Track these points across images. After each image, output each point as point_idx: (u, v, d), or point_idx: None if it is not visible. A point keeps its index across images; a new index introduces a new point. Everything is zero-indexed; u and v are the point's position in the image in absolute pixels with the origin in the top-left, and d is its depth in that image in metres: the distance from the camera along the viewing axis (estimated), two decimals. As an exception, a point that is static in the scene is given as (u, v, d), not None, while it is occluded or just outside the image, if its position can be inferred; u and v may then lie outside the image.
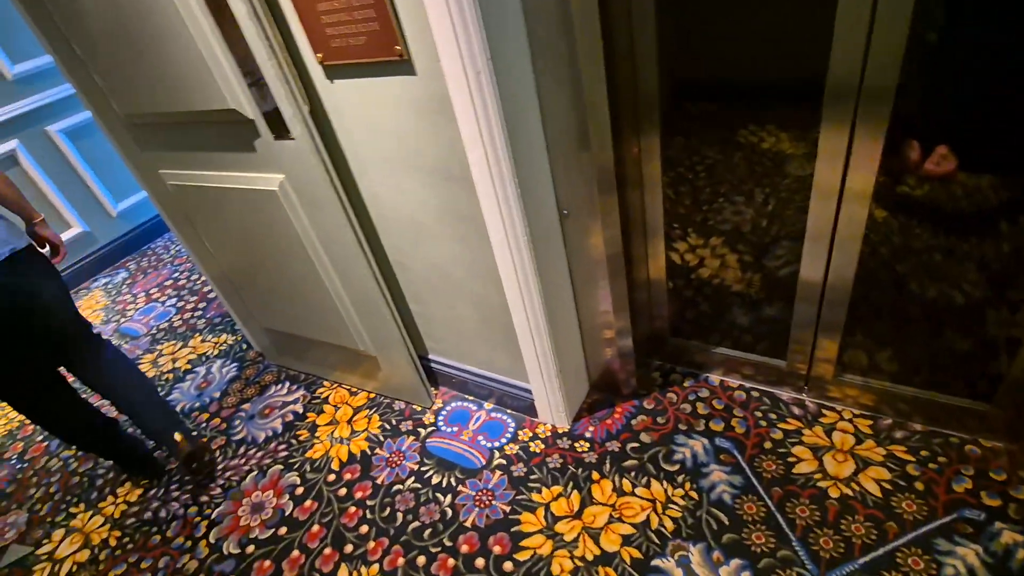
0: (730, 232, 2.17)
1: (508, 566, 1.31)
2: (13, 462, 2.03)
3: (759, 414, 1.48)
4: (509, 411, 1.69)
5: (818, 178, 1.18)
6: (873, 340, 1.56)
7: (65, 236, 2.96)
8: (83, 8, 1.27)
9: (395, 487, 1.56)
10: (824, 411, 1.46)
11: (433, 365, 1.79)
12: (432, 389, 1.81)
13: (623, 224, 1.38)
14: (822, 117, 1.10)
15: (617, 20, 1.10)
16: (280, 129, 1.23)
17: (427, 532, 1.43)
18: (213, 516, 1.62)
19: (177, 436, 1.63)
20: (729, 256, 2.05)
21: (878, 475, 1.28)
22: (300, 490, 1.63)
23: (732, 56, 3.05)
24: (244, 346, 2.27)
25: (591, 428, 1.57)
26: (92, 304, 2.89)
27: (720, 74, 3.08)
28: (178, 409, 2.05)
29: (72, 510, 1.78)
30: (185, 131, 1.44)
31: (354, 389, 1.92)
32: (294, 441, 1.79)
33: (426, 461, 1.60)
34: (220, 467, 1.77)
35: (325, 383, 1.98)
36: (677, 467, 1.41)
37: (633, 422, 1.55)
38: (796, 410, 1.48)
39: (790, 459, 1.36)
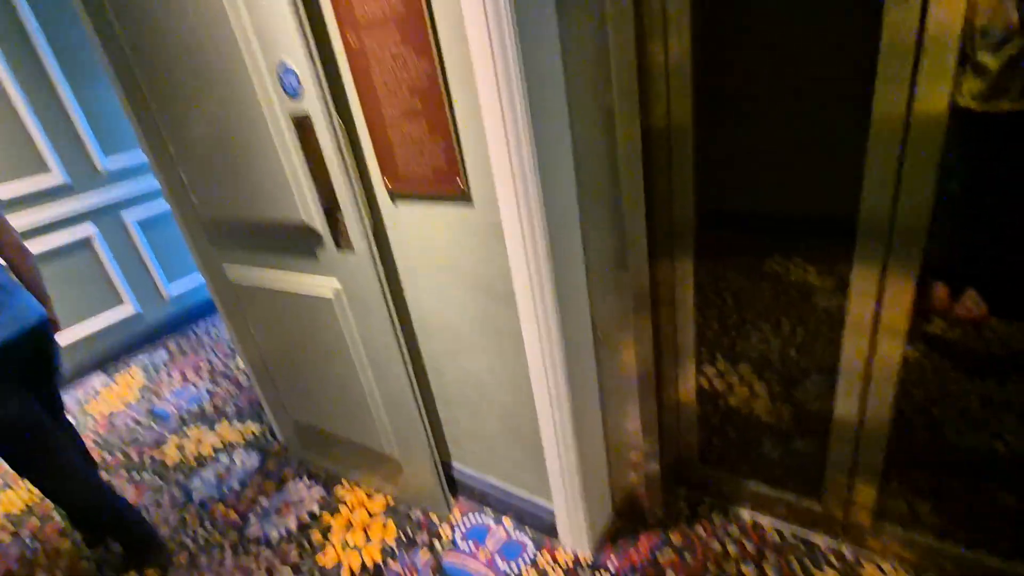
0: (757, 360, 2.19)
1: None
2: (27, 539, 2.01)
3: (793, 560, 1.41)
4: (529, 530, 1.64)
5: (851, 314, 1.22)
6: (913, 489, 1.50)
7: (117, 316, 3.13)
8: (188, 115, 1.46)
9: (405, 605, 1.49)
10: (863, 562, 1.38)
11: (455, 474, 1.77)
12: (451, 499, 1.78)
13: (655, 345, 1.42)
14: (855, 254, 1.15)
15: (658, 164, 1.23)
16: (344, 242, 1.36)
17: (435, 661, 1.34)
18: (214, 619, 1.56)
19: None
20: (757, 385, 2.05)
21: (926, 643, 1.19)
22: (306, 599, 1.56)
23: (759, 190, 3.24)
24: (270, 437, 2.29)
25: (614, 559, 1.50)
26: (128, 381, 2.98)
27: (746, 206, 3.26)
28: (195, 499, 2.03)
29: (72, 598, 1.73)
30: (254, 233, 1.59)
31: (372, 492, 1.89)
32: (307, 543, 1.75)
33: (440, 579, 1.54)
34: (228, 566, 1.73)
35: (344, 482, 1.96)
36: (705, 612, 1.33)
37: (659, 556, 1.48)
38: (833, 559, 1.40)
39: (828, 615, 1.27)
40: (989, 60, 1.78)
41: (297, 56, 1.13)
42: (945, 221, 2.17)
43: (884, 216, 1.06)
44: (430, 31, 1.03)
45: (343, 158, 1.24)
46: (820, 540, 1.45)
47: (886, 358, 1.20)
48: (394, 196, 1.33)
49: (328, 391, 1.77)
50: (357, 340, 1.55)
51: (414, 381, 1.54)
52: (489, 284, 1.30)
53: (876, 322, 1.17)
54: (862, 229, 1.10)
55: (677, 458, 1.67)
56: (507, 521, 1.68)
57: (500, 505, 1.70)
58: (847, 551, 1.41)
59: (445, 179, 1.19)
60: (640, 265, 1.26)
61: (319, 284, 1.50)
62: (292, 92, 1.19)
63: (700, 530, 1.54)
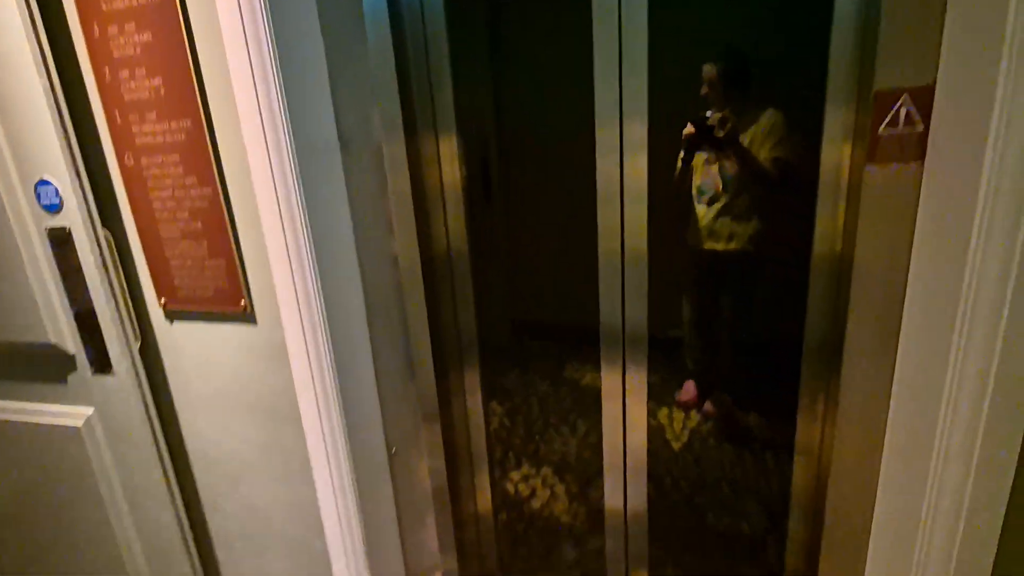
0: (558, 463, 2.35)
1: None
2: None
3: (586, 663, 1.46)
4: None
5: (605, 412, 1.41)
6: (682, 572, 1.69)
7: None
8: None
9: None
10: (645, 653, 1.48)
11: (234, 629, 1.53)
12: (228, 663, 1.51)
13: (449, 457, 1.47)
14: (601, 359, 1.37)
15: (442, 284, 1.36)
16: (102, 364, 1.22)
17: None
18: None
19: None
20: (558, 487, 2.18)
21: None
22: None
23: (560, 302, 3.65)
24: (-25, 619, 1.75)
25: None
26: None
27: (552, 317, 3.64)
28: None
29: None
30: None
31: (122, 672, 1.53)
32: None
33: None
34: None
35: (82, 667, 1.56)
36: None
37: None
38: (620, 654, 1.48)
39: None
40: (703, 212, 2.35)
41: (59, 172, 1.07)
42: (699, 335, 2.70)
43: (617, 328, 1.30)
44: (213, 161, 1.07)
45: (107, 274, 1.15)
46: (609, 637, 1.53)
47: (636, 449, 1.40)
48: (171, 315, 1.25)
49: (65, 546, 1.45)
50: (112, 477, 1.33)
51: (185, 522, 1.36)
52: (274, 405, 1.25)
53: (624, 417, 1.38)
54: (603, 338, 1.33)
55: (480, 572, 1.67)
56: None
57: (288, 659, 1.49)
58: (631, 644, 1.50)
59: (227, 298, 1.17)
60: (427, 378, 1.33)
61: (64, 413, 1.30)
62: (51, 207, 1.10)
63: (502, 648, 1.52)
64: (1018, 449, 0.78)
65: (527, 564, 1.77)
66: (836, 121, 1.04)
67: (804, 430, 1.24)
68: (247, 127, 1.00)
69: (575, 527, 1.94)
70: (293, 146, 1.02)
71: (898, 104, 0.92)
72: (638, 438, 1.39)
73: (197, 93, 1.02)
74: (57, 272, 1.15)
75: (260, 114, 0.99)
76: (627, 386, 1.35)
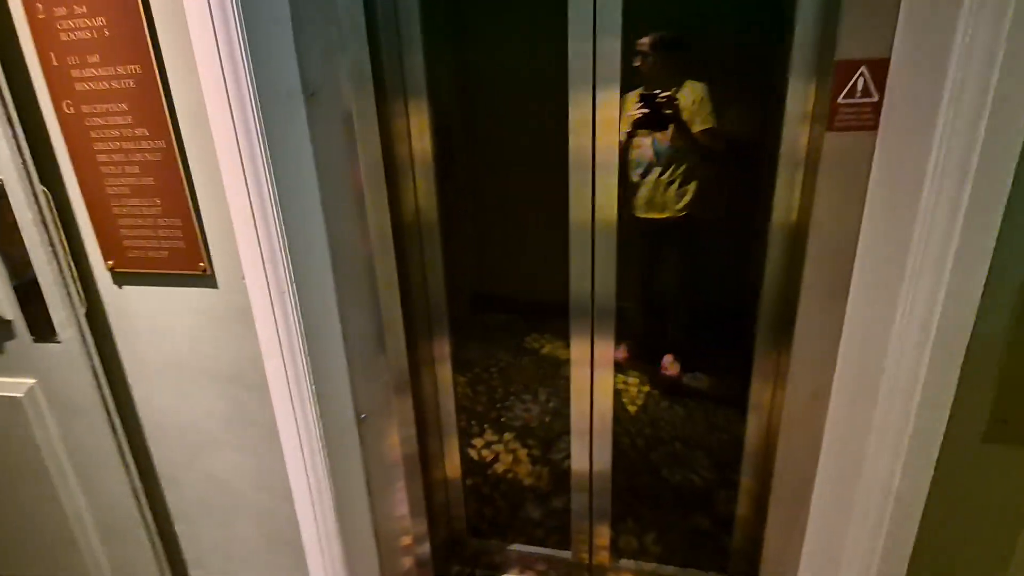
0: (520, 428, 2.40)
1: None
2: None
3: (553, 612, 1.52)
4: (290, 651, 1.45)
5: (574, 380, 1.45)
6: (639, 525, 1.78)
7: None
8: None
9: None
10: (607, 600, 1.56)
11: (196, 602, 1.50)
12: (191, 635, 1.49)
13: (418, 424, 1.47)
14: (570, 330, 1.39)
15: (411, 253, 1.34)
16: (44, 331, 1.13)
17: None
18: None
19: None
20: (520, 452, 2.23)
21: (655, 661, 1.38)
22: None
23: (521, 276, 3.67)
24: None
25: (385, 657, 1.42)
26: None
27: (512, 290, 3.66)
28: None
29: None
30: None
31: (75, 652, 1.48)
32: None
33: None
34: None
35: (30, 649, 1.49)
36: None
37: (431, 642, 1.45)
38: (584, 603, 1.55)
39: (581, 658, 1.39)
40: (637, 183, 2.42)
41: (-12, 119, 0.97)
42: (645, 302, 2.79)
43: (586, 298, 1.32)
44: (167, 110, 1.00)
45: (47, 232, 1.07)
46: (574, 588, 1.60)
47: (603, 413, 1.45)
48: (119, 278, 1.18)
49: (11, 523, 1.37)
50: (58, 451, 1.26)
51: (141, 496, 1.31)
52: (238, 373, 1.21)
53: (592, 385, 1.42)
54: (572, 309, 1.35)
55: (448, 536, 1.70)
56: (263, 646, 1.47)
57: (254, 628, 1.48)
58: (594, 593, 1.58)
59: (185, 260, 1.11)
60: (398, 347, 1.32)
61: (3, 384, 1.21)
62: (-23, 157, 1.00)
63: (471, 605, 1.56)
64: (952, 396, 0.85)
65: (495, 525, 1.81)
66: (797, 92, 1.08)
67: (757, 387, 1.31)
68: (206, 73, 0.93)
69: (539, 488, 2.00)
70: (257, 95, 0.96)
71: (856, 75, 0.97)
72: (604, 403, 1.43)
73: (148, 35, 0.94)
74: (-11, 231, 1.06)
75: (220, 59, 0.92)
76: (595, 354, 1.39)
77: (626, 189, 2.46)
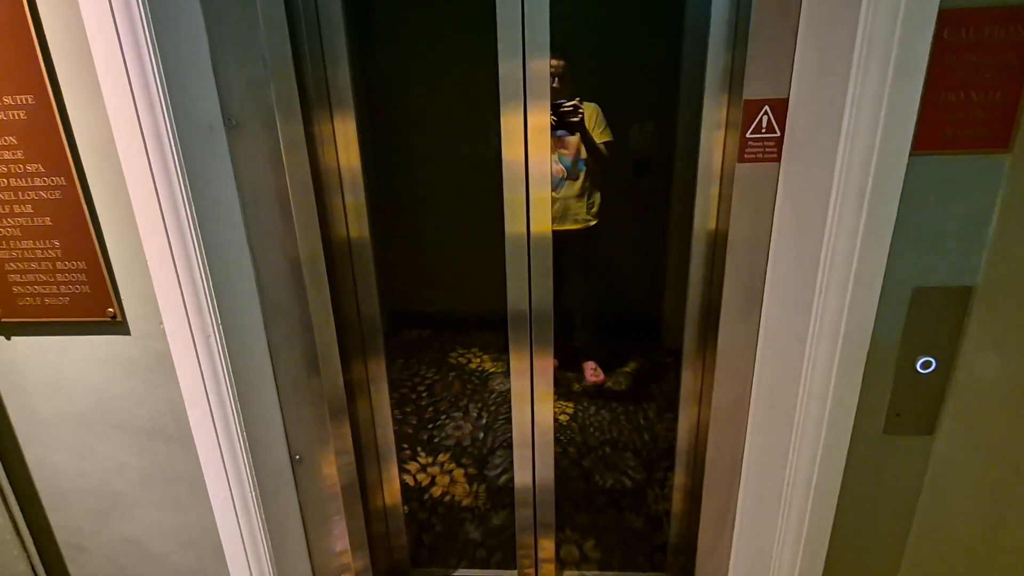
0: (454, 447, 2.38)
1: None
2: None
3: (502, 634, 1.53)
4: None
5: (514, 392, 1.46)
6: (579, 533, 1.83)
7: None
8: None
9: None
10: (555, 612, 1.59)
11: None
12: None
13: (355, 452, 1.42)
14: (509, 341, 1.41)
15: (342, 272, 1.30)
16: (-90, 397, 0.97)
17: None
18: None
19: None
20: (456, 471, 2.21)
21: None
22: None
23: (440, 291, 3.65)
24: None
25: None
26: None
27: (431, 306, 3.62)
28: None
29: None
30: None
31: None
32: None
33: None
34: None
35: None
36: None
37: None
38: (533, 619, 1.57)
39: (536, 675, 1.41)
40: (554, 195, 2.52)
41: None
42: (564, 312, 2.88)
43: (524, 309, 1.35)
44: (66, 145, 0.90)
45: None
46: (521, 605, 1.61)
47: (543, 424, 1.48)
48: (6, 329, 1.04)
49: None
50: (-69, 535, 1.08)
51: (40, 568, 1.15)
52: (154, 425, 1.11)
53: (532, 395, 1.44)
54: (511, 320, 1.37)
55: (390, 567, 1.65)
56: None
57: None
58: (542, 607, 1.60)
59: (89, 306, 1.00)
60: (334, 373, 1.27)
61: None
62: None
63: (419, 637, 1.53)
64: (858, 390, 0.97)
65: (436, 552, 1.78)
66: (711, 119, 1.18)
67: (687, 387, 1.40)
68: (115, 106, 0.86)
69: (478, 508, 1.99)
70: (175, 127, 0.89)
71: (761, 112, 1.08)
72: (545, 414, 1.46)
73: (42, 63, 0.85)
74: None
75: (132, 90, 0.85)
76: (535, 364, 1.41)
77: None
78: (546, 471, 1.53)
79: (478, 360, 3.16)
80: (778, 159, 1.09)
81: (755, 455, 1.26)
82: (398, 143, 3.26)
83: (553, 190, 2.47)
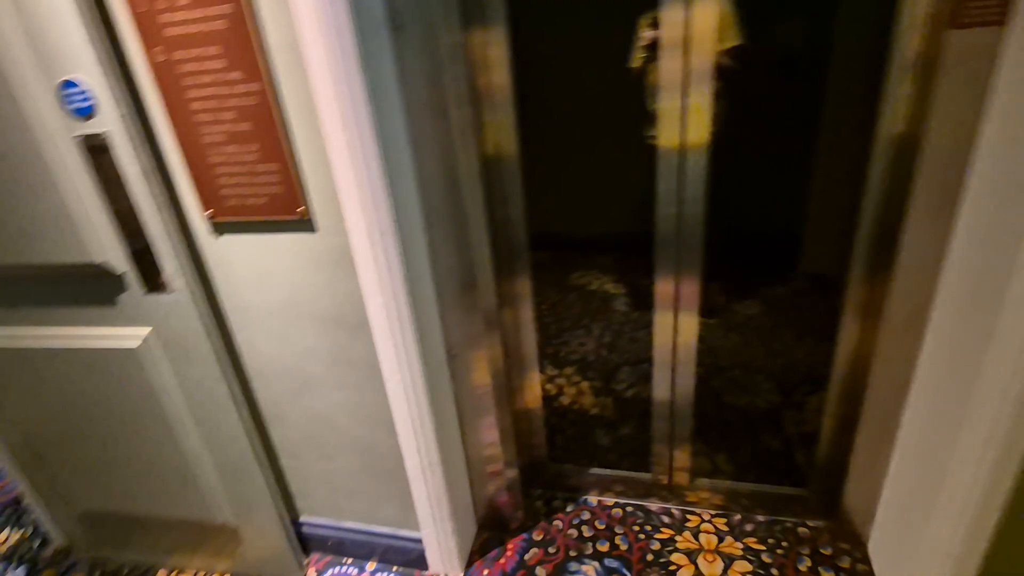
0: (579, 362, 2.44)
1: None
2: None
3: (636, 528, 1.60)
4: (395, 569, 1.57)
5: (657, 313, 1.46)
6: (711, 447, 1.83)
7: None
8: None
9: None
10: (688, 515, 1.63)
11: (305, 528, 1.61)
12: (303, 557, 1.61)
13: (505, 357, 1.51)
14: (655, 262, 1.39)
15: (493, 189, 1.33)
16: (155, 282, 1.17)
17: None
18: None
19: None
20: (583, 383, 2.29)
21: (743, 568, 1.45)
22: None
23: (561, 214, 3.63)
24: (37, 542, 1.79)
25: (485, 572, 1.52)
26: None
27: (550, 228, 3.63)
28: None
29: None
30: (11, 285, 1.27)
31: (201, 574, 1.62)
32: (116, 660, 1.42)
33: (302, 648, 1.38)
34: None
35: (162, 573, 1.64)
36: (575, 596, 1.43)
37: (526, 556, 1.55)
38: (666, 519, 1.63)
39: (671, 567, 1.48)
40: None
41: (91, 72, 0.96)
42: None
43: (672, 228, 1.31)
44: (259, 52, 0.97)
45: (151, 182, 1.08)
46: (653, 505, 1.67)
47: (686, 345, 1.47)
48: (219, 228, 1.20)
49: (132, 464, 1.47)
50: (175, 395, 1.33)
51: (255, 436, 1.38)
52: (338, 314, 1.24)
53: (676, 317, 1.43)
54: (658, 241, 1.34)
55: (530, 461, 1.77)
56: (371, 565, 1.59)
57: (361, 550, 1.59)
58: (675, 509, 1.65)
59: (283, 206, 1.12)
60: (488, 284, 1.33)
61: (119, 335, 1.26)
62: (83, 112, 1.00)
63: (557, 523, 1.65)
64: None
65: (570, 452, 1.89)
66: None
67: (854, 299, 1.29)
68: (303, 4, 0.91)
69: (604, 417, 2.06)
70: (355, 26, 0.93)
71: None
72: (690, 328, 1.44)
73: (239, -30, 0.91)
74: (97, 185, 1.07)
75: (317, -8, 0.89)
76: (680, 287, 1.38)
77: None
78: (686, 388, 1.53)
79: (598, 282, 3.17)
80: (1003, 21, 0.91)
81: (933, 368, 1.16)
82: (553, 54, 3.16)
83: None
